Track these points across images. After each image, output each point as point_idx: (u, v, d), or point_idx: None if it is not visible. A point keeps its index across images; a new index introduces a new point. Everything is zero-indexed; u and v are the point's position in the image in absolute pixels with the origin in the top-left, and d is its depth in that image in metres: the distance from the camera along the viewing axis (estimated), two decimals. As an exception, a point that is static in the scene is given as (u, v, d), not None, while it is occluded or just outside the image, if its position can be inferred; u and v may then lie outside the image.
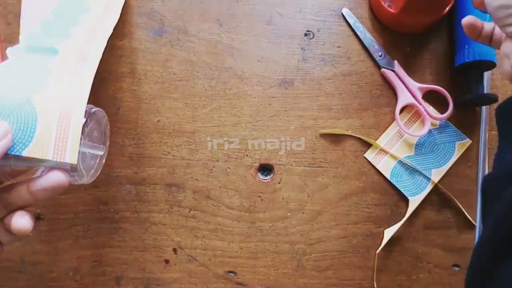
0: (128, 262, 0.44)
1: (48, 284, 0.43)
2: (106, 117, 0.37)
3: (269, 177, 0.44)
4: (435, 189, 0.44)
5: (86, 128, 0.32)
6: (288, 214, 0.44)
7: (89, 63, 0.34)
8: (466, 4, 0.43)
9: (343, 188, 0.44)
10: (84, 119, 0.31)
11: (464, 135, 0.45)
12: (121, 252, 0.44)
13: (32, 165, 0.31)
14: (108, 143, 0.38)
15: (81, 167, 0.33)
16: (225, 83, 0.45)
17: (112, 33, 0.44)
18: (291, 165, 0.44)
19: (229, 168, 0.44)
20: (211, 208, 0.44)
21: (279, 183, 0.44)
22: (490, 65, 0.43)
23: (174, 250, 0.44)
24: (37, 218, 0.43)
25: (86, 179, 0.34)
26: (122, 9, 0.44)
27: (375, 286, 0.43)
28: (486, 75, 0.45)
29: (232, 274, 0.44)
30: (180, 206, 0.44)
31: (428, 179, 0.44)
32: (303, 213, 0.44)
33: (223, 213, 0.44)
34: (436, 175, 0.44)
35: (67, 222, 0.43)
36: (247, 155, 0.44)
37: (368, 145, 0.45)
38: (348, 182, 0.44)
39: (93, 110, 0.34)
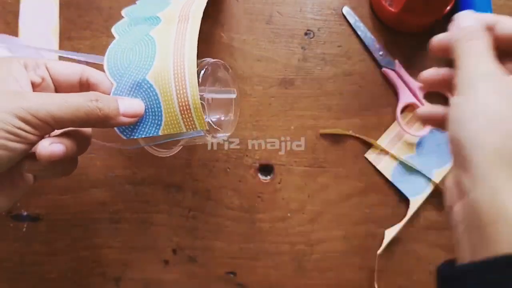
0: (128, 262, 0.44)
1: (47, 284, 0.43)
2: (225, 64, 0.35)
3: (269, 177, 0.44)
4: (436, 190, 0.44)
5: (206, 83, 0.30)
6: (288, 214, 0.44)
7: (190, 21, 0.32)
8: (467, 4, 0.43)
9: (343, 189, 0.44)
10: (200, 80, 0.29)
11: (465, 135, 0.45)
12: (121, 253, 0.44)
13: (172, 139, 0.31)
14: (237, 86, 0.36)
15: (213, 123, 0.33)
16: (225, 82, 0.44)
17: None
18: (291, 165, 0.44)
19: (229, 168, 0.44)
20: (211, 208, 0.44)
21: (279, 183, 0.44)
22: (492, 64, 0.42)
23: (174, 250, 0.44)
24: (36, 219, 0.43)
25: (225, 133, 0.34)
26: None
27: (376, 287, 0.43)
28: (488, 74, 0.44)
29: (232, 275, 0.44)
30: (180, 206, 0.44)
31: (429, 179, 0.44)
32: (304, 213, 0.44)
33: (223, 214, 0.44)
34: (437, 175, 0.44)
35: (66, 223, 0.43)
36: (247, 155, 0.44)
37: (369, 145, 0.44)
38: (348, 182, 0.44)
39: (204, 69, 0.32)
